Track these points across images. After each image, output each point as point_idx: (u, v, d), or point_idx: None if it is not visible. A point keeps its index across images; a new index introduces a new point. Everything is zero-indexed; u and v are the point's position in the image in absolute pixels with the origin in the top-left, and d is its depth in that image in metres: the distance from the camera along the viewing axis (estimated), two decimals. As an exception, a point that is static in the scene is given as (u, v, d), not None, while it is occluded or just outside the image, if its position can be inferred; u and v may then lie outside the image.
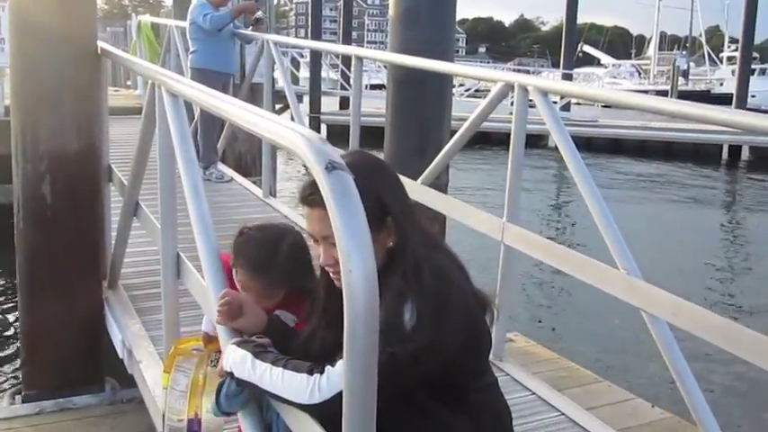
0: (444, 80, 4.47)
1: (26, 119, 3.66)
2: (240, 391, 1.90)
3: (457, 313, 1.78)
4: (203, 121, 6.38)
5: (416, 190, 3.94)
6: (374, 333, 1.36)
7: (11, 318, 5.72)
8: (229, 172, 6.85)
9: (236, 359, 1.83)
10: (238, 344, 1.87)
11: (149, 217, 3.22)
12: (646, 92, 40.34)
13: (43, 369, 3.80)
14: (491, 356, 3.52)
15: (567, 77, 23.25)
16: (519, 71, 30.29)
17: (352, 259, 1.32)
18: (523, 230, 3.32)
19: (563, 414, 3.15)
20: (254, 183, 7.15)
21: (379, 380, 1.54)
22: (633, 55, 62.76)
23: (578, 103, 26.69)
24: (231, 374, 1.85)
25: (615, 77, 45.34)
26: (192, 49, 6.39)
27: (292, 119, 5.81)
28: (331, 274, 1.82)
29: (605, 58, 54.46)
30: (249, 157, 8.75)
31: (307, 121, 21.28)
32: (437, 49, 4.35)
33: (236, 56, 6.79)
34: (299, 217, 5.07)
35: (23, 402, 3.70)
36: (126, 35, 16.38)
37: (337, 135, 16.60)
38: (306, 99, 21.60)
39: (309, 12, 24.52)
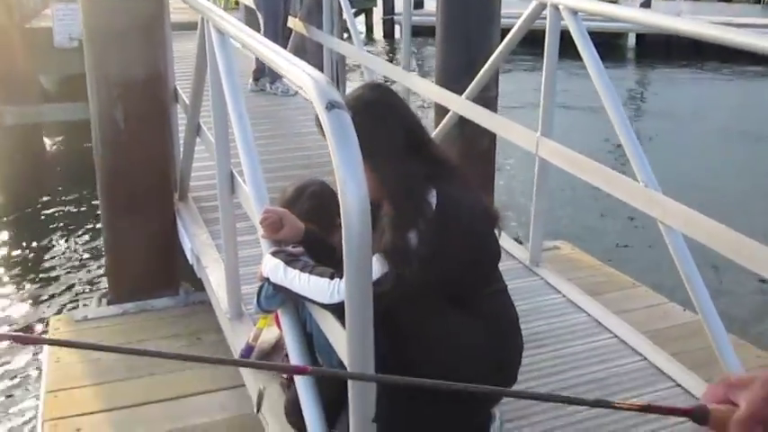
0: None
1: (97, 51, 3.99)
2: (276, 293, 2.22)
3: (459, 232, 2.04)
4: (267, 37, 6.59)
5: (461, 105, 4.14)
6: (368, 247, 1.63)
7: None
8: (295, 86, 7.11)
9: (271, 266, 2.14)
10: (274, 253, 2.18)
11: (209, 137, 3.53)
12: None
13: (125, 276, 4.26)
14: (528, 262, 3.80)
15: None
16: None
17: (347, 185, 1.58)
18: (556, 144, 3.49)
19: (589, 315, 3.38)
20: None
21: (390, 295, 1.85)
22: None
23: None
24: (267, 279, 2.17)
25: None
26: (255, -34, 6.57)
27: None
28: None
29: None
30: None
31: (381, 24, 21.28)
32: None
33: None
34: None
35: (108, 305, 4.18)
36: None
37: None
38: (379, 2, 21.45)
39: None
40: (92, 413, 3.13)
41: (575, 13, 3.26)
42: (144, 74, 4.01)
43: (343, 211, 1.59)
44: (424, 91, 4.69)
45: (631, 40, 18.15)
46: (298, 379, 2.23)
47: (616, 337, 3.23)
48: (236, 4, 8.34)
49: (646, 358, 3.06)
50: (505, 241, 4.10)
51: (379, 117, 2.05)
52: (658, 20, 2.90)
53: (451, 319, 2.10)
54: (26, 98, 8.00)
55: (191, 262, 3.93)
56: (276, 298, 2.25)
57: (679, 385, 2.88)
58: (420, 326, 2.05)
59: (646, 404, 1.15)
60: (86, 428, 3.03)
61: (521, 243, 4.37)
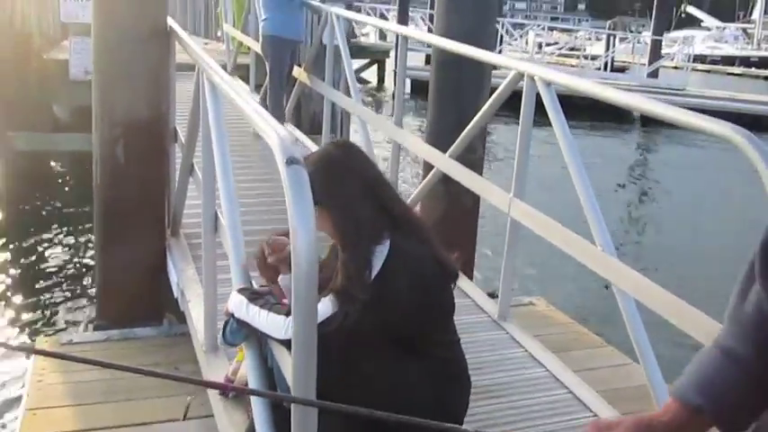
0: (482, 64, 4.80)
1: (104, 90, 4.26)
2: (240, 328, 2.40)
3: (405, 282, 2.22)
4: (272, 85, 6.88)
5: (444, 162, 4.36)
6: (314, 289, 1.82)
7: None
8: (296, 132, 7.36)
9: (236, 302, 2.34)
10: (240, 290, 2.38)
11: (199, 177, 3.74)
12: (749, 57, 38.70)
13: (112, 304, 4.45)
14: (496, 316, 3.96)
15: (657, 42, 22.76)
16: (615, 28, 29.63)
17: (298, 234, 1.78)
18: (526, 206, 3.69)
19: (548, 370, 3.53)
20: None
21: (336, 332, 2.04)
22: (740, 17, 60.03)
23: (675, 67, 26.02)
24: (232, 315, 2.36)
25: (718, 41, 43.64)
26: (263, 17, 6.87)
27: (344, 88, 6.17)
28: None
29: (709, 20, 52.28)
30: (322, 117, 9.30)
31: (392, 77, 21.71)
32: (477, 36, 4.71)
33: (303, 24, 7.21)
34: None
35: (94, 330, 4.36)
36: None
37: (421, 89, 16.90)
38: (392, 54, 21.93)
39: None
40: (67, 432, 3.29)
41: (548, 84, 3.49)
42: (147, 114, 4.25)
43: (294, 256, 1.79)
44: (411, 146, 4.92)
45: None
46: (254, 407, 2.41)
47: (571, 392, 3.38)
48: (249, 49, 8.64)
49: (596, 414, 3.21)
50: (478, 295, 4.29)
51: (337, 173, 2.26)
52: (617, 96, 3.11)
53: (395, 362, 2.27)
54: (38, 126, 8.29)
55: (176, 295, 4.12)
56: (240, 332, 2.43)
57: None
58: (364, 365, 2.22)
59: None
60: (60, 446, 3.19)
61: (495, 297, 4.54)
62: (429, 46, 9.12)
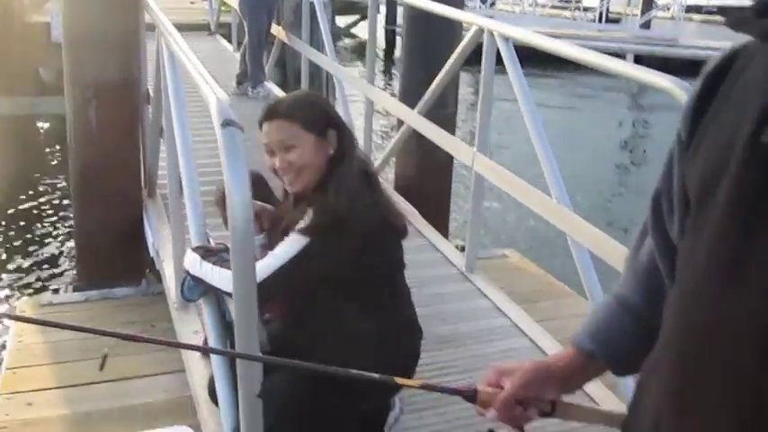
0: (452, 20, 4.81)
1: (74, 53, 4.31)
2: (197, 284, 2.49)
3: (353, 233, 2.30)
4: (250, 44, 6.91)
5: (413, 119, 4.42)
6: (250, 243, 1.91)
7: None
8: (274, 89, 7.38)
9: (191, 260, 2.43)
10: (194, 248, 2.47)
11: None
12: (743, 7, 38.06)
13: (92, 265, 4.56)
14: (463, 268, 4.06)
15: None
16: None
17: (233, 194, 1.86)
18: (488, 160, 3.77)
19: (510, 320, 3.64)
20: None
21: (282, 281, 2.13)
22: (738, -37, 58.96)
23: (672, 18, 25.77)
24: (187, 272, 2.45)
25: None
26: (239, -21, 6.88)
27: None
28: (284, 179, 2.34)
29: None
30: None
31: (382, 33, 21.54)
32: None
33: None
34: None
35: (74, 291, 4.47)
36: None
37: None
38: (383, 9, 21.71)
39: None
40: (45, 389, 3.40)
41: (506, 39, 3.54)
42: (118, 77, 4.30)
43: (230, 214, 1.87)
44: (382, 103, 4.97)
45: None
46: (212, 361, 2.51)
47: (532, 341, 3.49)
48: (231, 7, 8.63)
49: (555, 360, 3.32)
50: (447, 249, 4.38)
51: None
52: (568, 50, 3.16)
53: (344, 313, 2.35)
54: (22, 90, 8.30)
55: (152, 255, 4.22)
56: (197, 289, 2.52)
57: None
58: (313, 316, 2.32)
59: (423, 382, 1.43)
60: (37, 403, 3.31)
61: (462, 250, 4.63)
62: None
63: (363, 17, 23.52)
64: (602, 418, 1.27)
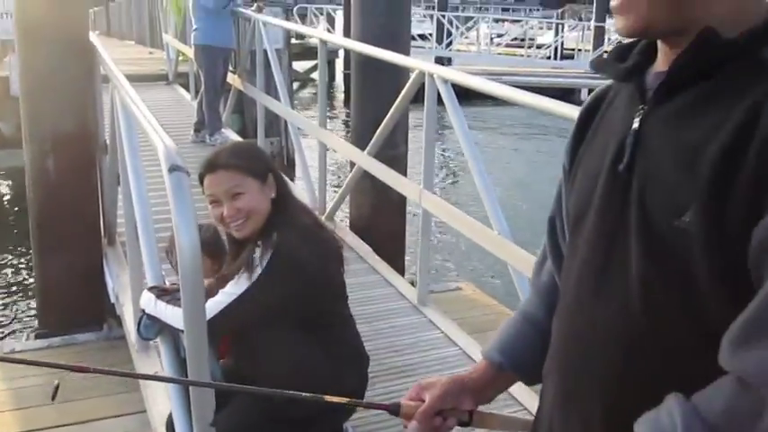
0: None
1: (31, 105, 4.44)
2: (153, 323, 2.62)
3: (299, 268, 2.44)
4: (206, 92, 7.07)
5: (363, 159, 4.60)
6: (200, 281, 2.05)
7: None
8: (232, 136, 7.54)
9: (146, 299, 2.55)
10: (149, 288, 2.60)
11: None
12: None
13: (52, 312, 4.63)
14: (415, 301, 4.20)
15: (600, 29, 23.25)
16: (564, 17, 30.07)
17: (181, 236, 2.00)
18: (434, 197, 3.95)
19: (461, 349, 3.79)
20: (272, 143, 7.95)
21: (231, 318, 2.26)
22: None
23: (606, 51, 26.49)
24: (143, 311, 2.57)
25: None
26: (194, 27, 7.05)
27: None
28: (232, 226, 2.46)
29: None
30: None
31: (341, 77, 21.93)
32: (392, 36, 4.97)
33: (233, 31, 7.37)
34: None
35: (36, 339, 4.54)
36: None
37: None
38: (341, 53, 22.13)
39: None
40: (7, 434, 3.47)
41: (445, 81, 3.75)
42: (74, 127, 4.43)
43: (180, 255, 2.00)
44: (333, 145, 5.15)
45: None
46: (171, 397, 2.62)
47: (481, 367, 3.63)
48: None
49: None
50: (400, 283, 4.54)
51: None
52: (497, 90, 3.37)
53: (290, 342, 2.48)
54: (-22, 144, 8.37)
55: (112, 300, 4.31)
56: (153, 327, 2.64)
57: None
58: (261, 346, 2.45)
59: (350, 399, 1.56)
60: (1, 448, 3.38)
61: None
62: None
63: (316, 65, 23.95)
64: (516, 424, 1.40)
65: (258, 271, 2.32)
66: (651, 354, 0.95)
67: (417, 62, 4.05)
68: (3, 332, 5.73)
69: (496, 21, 32.40)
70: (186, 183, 2.05)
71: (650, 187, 0.94)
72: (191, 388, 2.19)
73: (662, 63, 1.00)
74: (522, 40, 26.39)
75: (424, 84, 3.86)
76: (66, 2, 4.39)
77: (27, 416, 3.64)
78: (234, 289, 2.34)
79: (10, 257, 7.38)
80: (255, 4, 7.14)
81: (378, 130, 4.47)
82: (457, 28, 25.05)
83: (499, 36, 27.46)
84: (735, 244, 0.84)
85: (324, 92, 5.21)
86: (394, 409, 1.31)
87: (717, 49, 0.91)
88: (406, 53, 4.94)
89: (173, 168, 2.06)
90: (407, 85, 4.10)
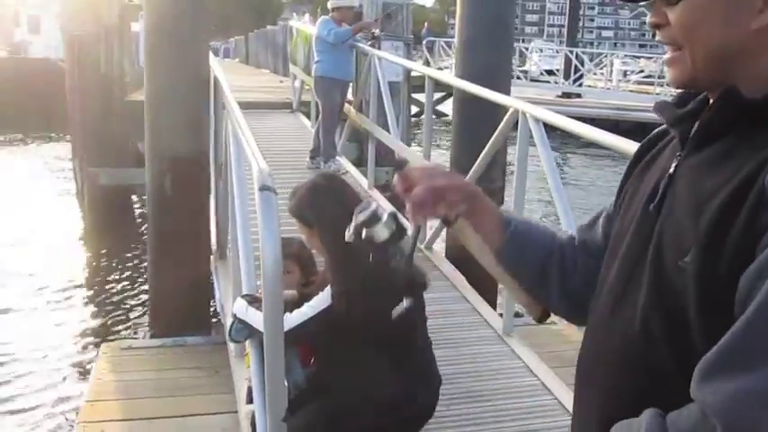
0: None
1: (154, 131, 4.98)
2: (243, 327, 2.90)
3: (360, 296, 2.60)
4: (323, 121, 7.46)
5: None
6: (279, 296, 2.30)
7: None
8: (347, 165, 7.88)
9: (238, 305, 2.84)
10: (242, 296, 2.89)
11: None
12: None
13: (165, 318, 5.08)
14: (501, 331, 4.33)
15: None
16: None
17: (265, 249, 2.27)
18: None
19: (539, 380, 3.87)
20: (387, 172, 8.23)
21: (308, 329, 2.50)
22: None
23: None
24: (235, 315, 2.86)
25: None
26: (316, 59, 7.48)
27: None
28: None
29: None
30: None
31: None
32: (493, 73, 5.17)
33: (352, 65, 7.77)
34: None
35: (151, 338, 4.98)
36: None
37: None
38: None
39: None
40: (117, 420, 3.87)
41: (537, 120, 3.91)
42: (188, 152, 4.90)
43: (263, 268, 2.27)
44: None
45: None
46: (255, 394, 2.90)
47: (556, 399, 3.73)
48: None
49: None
50: (487, 312, 4.68)
51: (321, 199, 2.72)
52: (587, 131, 3.50)
53: (365, 356, 2.69)
54: (120, 162, 9.13)
55: (218, 309, 4.69)
56: (243, 331, 2.92)
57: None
58: (336, 358, 2.67)
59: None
60: (109, 430, 3.77)
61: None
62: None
63: (449, 95, 23.95)
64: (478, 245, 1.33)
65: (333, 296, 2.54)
66: (642, 375, 1.05)
67: (512, 100, 4.22)
68: (125, 330, 6.32)
69: (630, 57, 31.83)
70: (273, 201, 2.33)
71: (667, 228, 1.04)
72: (266, 386, 2.44)
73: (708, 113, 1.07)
74: (657, 77, 25.84)
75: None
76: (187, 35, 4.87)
77: (136, 406, 4.03)
78: (317, 303, 2.57)
79: (135, 266, 8.07)
80: (371, 41, 7.51)
81: (474, 165, 4.65)
82: (586, 63, 24.82)
83: (633, 73, 26.98)
84: (725, 287, 0.92)
85: (428, 125, 5.46)
86: (400, 165, 1.21)
87: (736, 109, 0.98)
88: (506, 89, 5.12)
89: (263, 188, 2.34)
90: (503, 122, 4.28)
